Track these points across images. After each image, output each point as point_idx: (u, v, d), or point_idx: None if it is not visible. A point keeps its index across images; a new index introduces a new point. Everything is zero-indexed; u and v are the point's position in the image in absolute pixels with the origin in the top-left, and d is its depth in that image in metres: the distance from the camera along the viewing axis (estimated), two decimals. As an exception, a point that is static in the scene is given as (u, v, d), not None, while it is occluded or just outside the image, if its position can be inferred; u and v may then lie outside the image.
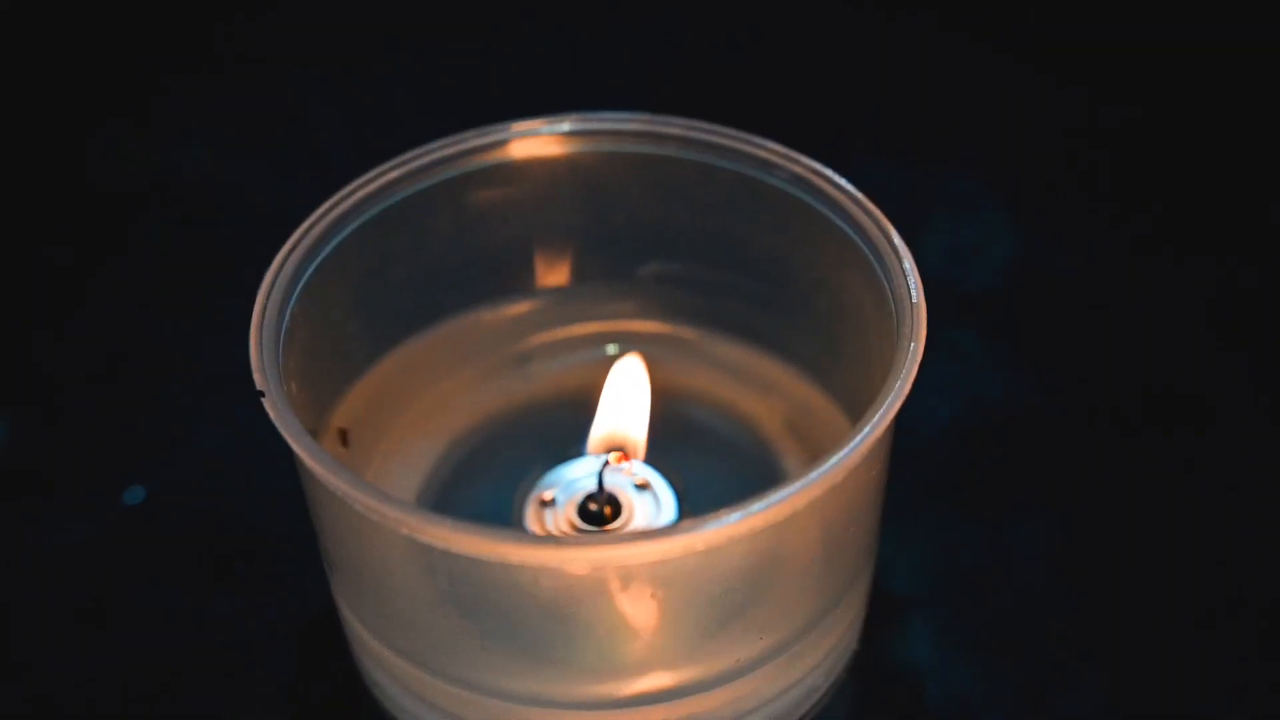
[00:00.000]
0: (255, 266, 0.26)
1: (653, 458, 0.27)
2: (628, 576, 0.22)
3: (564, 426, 0.29)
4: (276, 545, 0.29)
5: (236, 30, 0.46)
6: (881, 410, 0.22)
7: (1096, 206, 0.37)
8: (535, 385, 0.30)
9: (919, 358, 0.23)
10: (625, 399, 0.26)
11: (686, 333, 0.30)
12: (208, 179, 0.41)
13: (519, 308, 0.30)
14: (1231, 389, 0.32)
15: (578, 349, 0.30)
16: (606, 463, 0.26)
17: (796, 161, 0.27)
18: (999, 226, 0.37)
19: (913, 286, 0.24)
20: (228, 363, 0.30)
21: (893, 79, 0.41)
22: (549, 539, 0.24)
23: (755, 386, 0.29)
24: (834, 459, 0.21)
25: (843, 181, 0.26)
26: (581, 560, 0.22)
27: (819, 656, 0.25)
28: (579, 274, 0.30)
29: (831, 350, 0.28)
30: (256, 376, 0.23)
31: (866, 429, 0.22)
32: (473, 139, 0.28)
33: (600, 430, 0.26)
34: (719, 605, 0.23)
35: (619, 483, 0.27)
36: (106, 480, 0.31)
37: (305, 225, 0.26)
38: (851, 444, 0.22)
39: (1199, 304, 0.34)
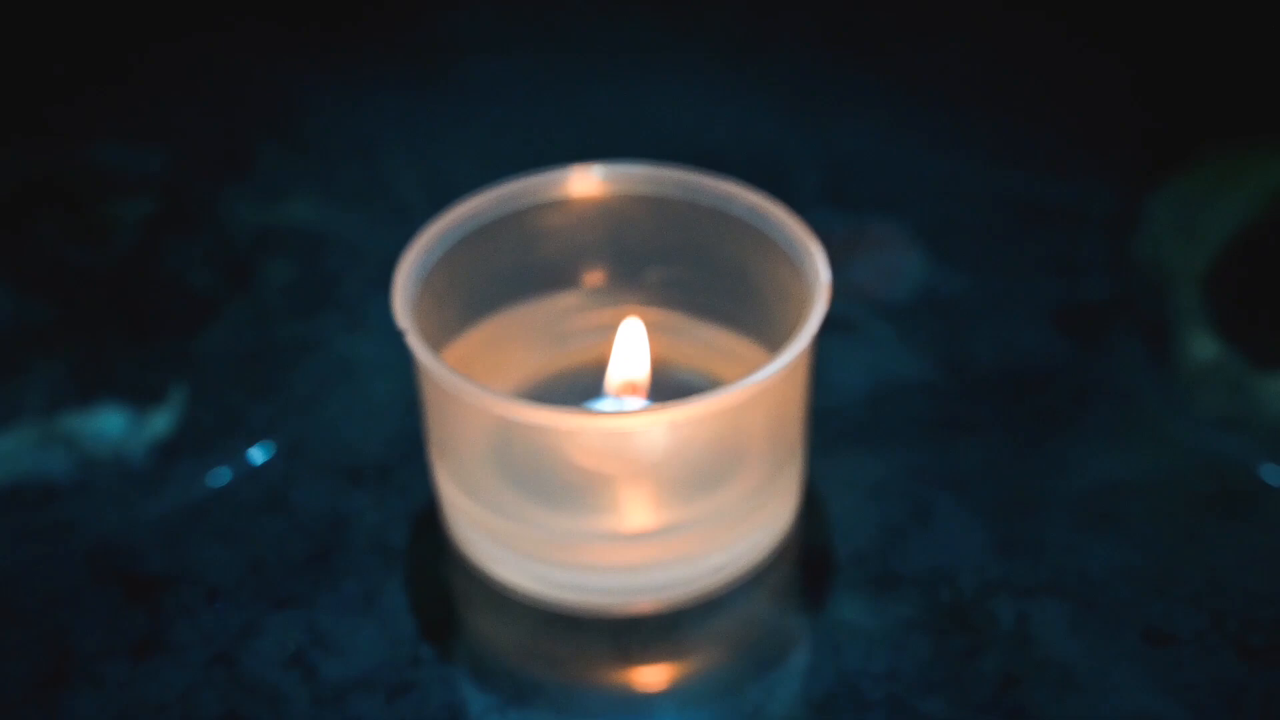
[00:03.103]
0: (354, 286, 0.40)
1: (651, 398, 0.39)
2: (631, 441, 0.35)
3: (592, 382, 0.41)
4: (397, 463, 0.42)
5: (326, 109, 0.57)
6: (799, 338, 0.35)
7: (987, 242, 0.50)
8: (572, 354, 0.42)
9: (822, 314, 0.35)
10: (631, 351, 0.39)
11: (676, 319, 0.41)
12: (312, 225, 0.52)
13: (563, 300, 0.41)
14: (1063, 372, 0.45)
15: (602, 329, 0.41)
16: (619, 396, 0.39)
17: (748, 197, 0.39)
18: (914, 257, 0.50)
19: (821, 270, 0.36)
20: (350, 350, 0.44)
21: (842, 144, 0.55)
22: (583, 409, 0.36)
23: (722, 353, 0.41)
24: (768, 369, 0.34)
25: (779, 209, 0.39)
26: (604, 425, 0.35)
27: (769, 514, 0.37)
28: (603, 277, 0.41)
29: (774, 326, 0.39)
30: (400, 321, 0.36)
31: (788, 350, 0.34)
32: (533, 181, 0.40)
33: (614, 373, 0.39)
34: (698, 465, 0.36)
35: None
36: (276, 431, 0.43)
37: (425, 234, 0.38)
38: (778, 359, 0.34)
39: (1048, 311, 0.47)
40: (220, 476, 0.42)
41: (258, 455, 0.42)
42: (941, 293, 0.47)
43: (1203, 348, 0.46)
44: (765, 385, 0.34)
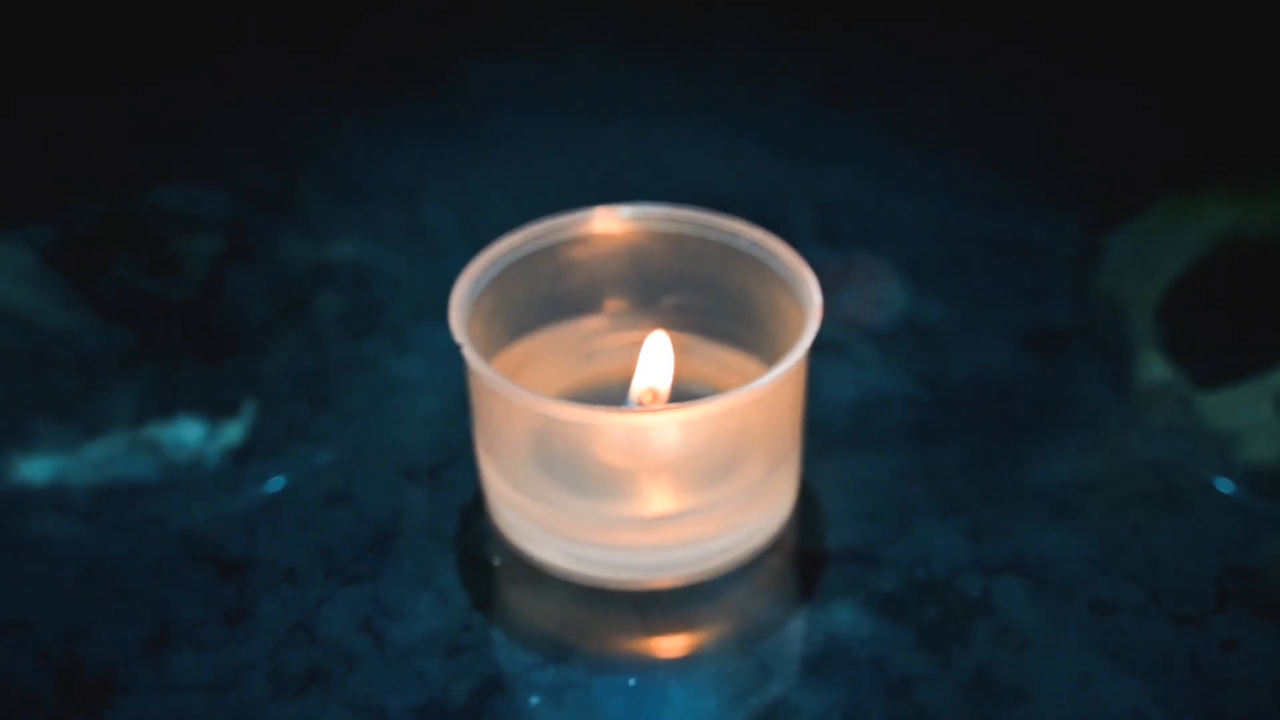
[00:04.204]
0: (398, 314, 0.46)
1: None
2: (649, 439, 0.41)
3: (615, 393, 0.47)
4: (444, 465, 0.48)
5: (369, 157, 0.63)
6: (794, 351, 0.41)
7: (961, 274, 0.56)
8: (597, 370, 0.48)
9: (815, 331, 0.41)
10: (655, 361, 0.45)
11: (688, 339, 0.47)
12: (358, 261, 0.57)
13: (589, 323, 0.47)
14: (1027, 388, 0.51)
15: (624, 349, 0.47)
16: (641, 402, 0.45)
17: (751, 233, 0.46)
18: (896, 288, 0.56)
19: (814, 294, 0.43)
20: (398, 369, 0.50)
21: (832, 189, 0.61)
22: (610, 408, 0.42)
23: (728, 369, 0.47)
24: (767, 376, 0.40)
25: (778, 243, 0.45)
26: (627, 421, 0.41)
27: (770, 505, 0.43)
28: (625, 303, 0.47)
29: (773, 346, 0.45)
30: (457, 336, 0.42)
31: (785, 361, 0.41)
32: (565, 220, 0.46)
33: (639, 380, 0.45)
34: (707, 461, 0.42)
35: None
36: (337, 438, 0.50)
37: (474, 265, 0.44)
38: (776, 369, 0.40)
39: (1015, 335, 0.53)
40: (290, 476, 0.48)
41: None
42: (920, 319, 0.53)
43: (1154, 368, 0.52)
44: (764, 391, 0.40)
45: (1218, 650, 0.41)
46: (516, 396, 0.40)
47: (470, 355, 0.41)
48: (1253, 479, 0.47)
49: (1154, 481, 0.47)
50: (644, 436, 0.42)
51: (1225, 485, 0.47)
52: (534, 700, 0.40)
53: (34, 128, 0.65)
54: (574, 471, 0.42)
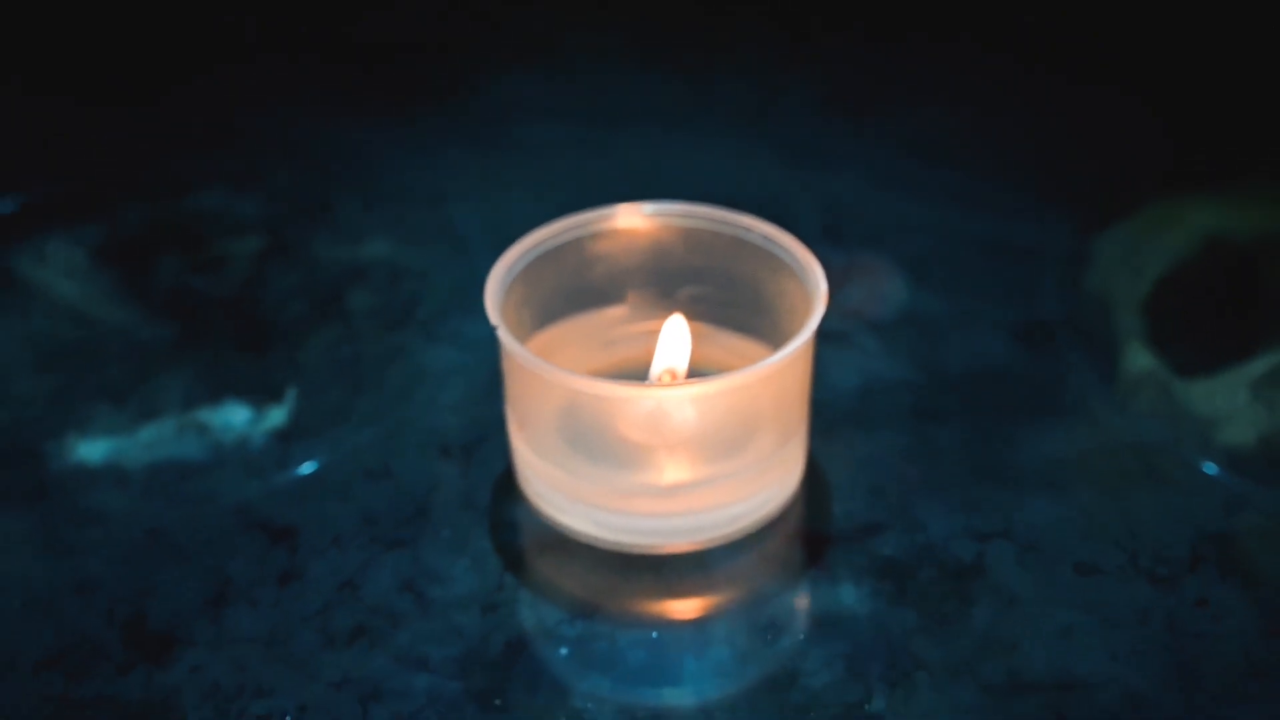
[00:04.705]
0: (428, 308, 0.50)
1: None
2: (667, 416, 0.45)
3: (635, 376, 0.51)
4: (476, 443, 0.52)
5: (398, 163, 0.66)
6: (801, 333, 0.44)
7: (958, 272, 0.60)
8: (618, 355, 0.51)
9: (821, 314, 0.45)
10: (673, 343, 0.49)
11: (703, 328, 0.50)
12: (389, 260, 0.61)
13: (612, 312, 0.51)
14: (1018, 374, 0.55)
15: (643, 336, 0.51)
16: (660, 381, 0.48)
17: (762, 227, 0.49)
18: (897, 284, 0.60)
19: (820, 281, 0.46)
20: (429, 358, 0.54)
21: (838, 192, 0.65)
22: (632, 383, 0.46)
23: (740, 355, 0.50)
24: (776, 356, 0.44)
25: (786, 236, 0.49)
26: (648, 395, 0.45)
27: (779, 476, 0.47)
28: (645, 293, 0.51)
29: (782, 333, 0.49)
30: (492, 319, 0.45)
31: (793, 343, 0.44)
32: (589, 215, 0.50)
33: (657, 363, 0.49)
34: (720, 435, 0.46)
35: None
36: (376, 419, 0.53)
37: (506, 256, 0.48)
38: (784, 349, 0.44)
39: (1008, 327, 0.57)
40: (332, 454, 0.51)
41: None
42: (919, 312, 0.57)
43: (1139, 359, 0.56)
44: (774, 369, 0.44)
45: (1190, 607, 0.44)
46: (547, 373, 0.44)
47: (504, 336, 0.45)
48: (1229, 459, 0.50)
49: (1135, 460, 0.50)
50: (663, 412, 0.46)
51: (1203, 464, 0.50)
52: (563, 651, 0.44)
53: (82, 136, 0.69)
54: (599, 444, 0.46)
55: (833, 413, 0.52)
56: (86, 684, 0.43)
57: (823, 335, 0.53)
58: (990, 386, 0.54)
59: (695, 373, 0.49)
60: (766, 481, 0.47)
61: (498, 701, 0.42)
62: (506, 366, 0.47)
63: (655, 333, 0.50)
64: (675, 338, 0.48)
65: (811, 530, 0.48)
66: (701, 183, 0.63)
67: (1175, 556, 0.46)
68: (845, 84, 0.72)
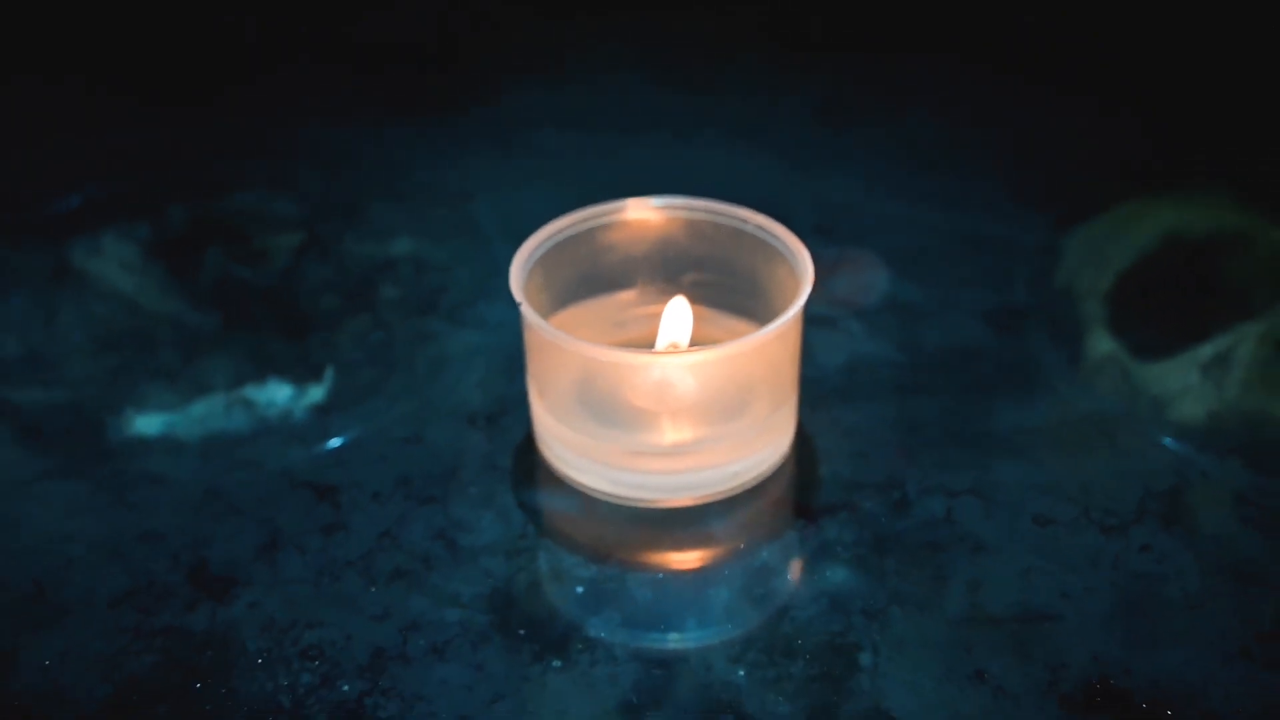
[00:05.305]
0: (452, 298, 0.56)
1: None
2: (670, 384, 0.50)
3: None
4: (499, 414, 0.57)
5: (423, 167, 0.72)
6: (791, 308, 0.50)
7: (936, 265, 0.66)
8: (628, 336, 0.57)
9: (807, 294, 0.51)
10: (676, 320, 0.54)
11: (705, 310, 0.56)
12: (415, 255, 0.67)
13: (622, 296, 0.56)
14: (989, 355, 0.60)
15: (650, 318, 0.56)
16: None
17: (757, 218, 0.55)
18: (881, 275, 0.65)
19: (808, 264, 0.52)
20: (454, 342, 0.59)
21: (828, 192, 0.70)
22: (641, 350, 0.51)
23: (737, 334, 0.56)
24: (767, 328, 0.50)
25: (778, 226, 0.55)
26: (656, 361, 0.50)
27: (772, 440, 0.53)
28: (652, 279, 0.56)
29: (775, 314, 0.54)
30: (516, 296, 0.51)
31: (782, 317, 0.50)
32: (603, 208, 0.56)
33: (662, 338, 0.54)
34: (718, 401, 0.51)
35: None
36: (408, 395, 0.59)
37: (528, 244, 0.53)
38: (775, 323, 0.50)
39: (981, 313, 0.62)
40: (369, 425, 0.57)
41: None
42: (901, 300, 0.63)
43: (1101, 343, 0.61)
44: (767, 339, 0.50)
45: (1135, 552, 0.50)
46: (566, 343, 0.49)
47: (527, 312, 0.50)
48: (1179, 431, 0.56)
49: (1095, 430, 0.56)
50: (668, 381, 0.51)
51: (1155, 435, 0.56)
52: (578, 590, 0.49)
53: (133, 141, 0.75)
54: (611, 410, 0.51)
55: (821, 388, 0.58)
56: (157, 617, 0.48)
57: (813, 320, 0.59)
58: (965, 366, 0.59)
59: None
60: (761, 444, 0.52)
61: (521, 631, 0.48)
62: (529, 340, 0.52)
63: (661, 315, 0.55)
64: (678, 316, 0.54)
65: (801, 487, 0.53)
66: (703, 185, 0.68)
67: (1123, 510, 0.52)
68: (836, 95, 0.78)
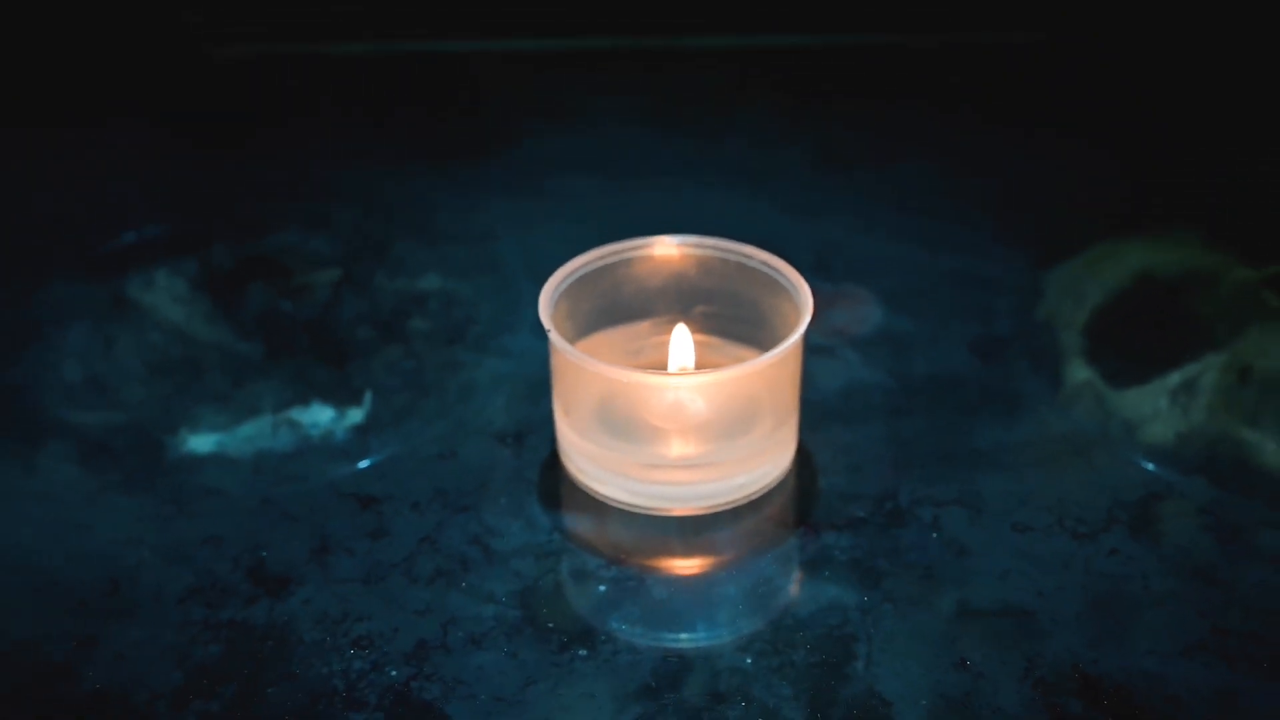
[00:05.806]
0: (478, 331, 0.61)
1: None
2: (682, 406, 0.56)
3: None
4: (526, 433, 0.62)
5: (450, 209, 0.77)
6: (792, 336, 0.55)
7: (926, 300, 0.71)
8: (643, 361, 0.62)
9: (806, 323, 0.56)
10: (681, 346, 0.60)
11: (714, 340, 0.61)
12: (443, 292, 0.74)
13: (638, 326, 0.62)
14: (973, 381, 0.65)
15: (664, 346, 0.61)
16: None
17: (761, 254, 0.60)
18: (875, 310, 0.71)
19: (807, 299, 0.57)
20: (481, 371, 0.64)
21: (826, 234, 0.76)
22: (657, 372, 0.57)
23: (742, 361, 0.62)
24: (770, 353, 0.55)
25: (781, 262, 0.60)
26: (669, 383, 0.56)
27: (775, 456, 0.58)
28: (665, 310, 0.62)
29: (778, 342, 0.59)
30: (546, 324, 0.56)
31: (784, 344, 0.55)
32: (621, 245, 0.61)
33: (672, 363, 0.60)
34: (725, 419, 0.57)
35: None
36: (441, 417, 0.64)
37: (555, 277, 0.58)
38: (777, 349, 0.55)
39: (966, 343, 0.67)
40: (406, 443, 0.62)
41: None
42: (893, 331, 0.68)
43: (1078, 371, 0.66)
44: (770, 363, 0.55)
45: (1104, 556, 0.55)
46: (590, 365, 0.55)
47: (555, 338, 0.56)
48: (1148, 452, 0.61)
49: (1070, 450, 0.61)
50: (680, 402, 0.57)
51: (1126, 455, 0.61)
52: (601, 588, 0.54)
53: (180, 183, 0.81)
54: (630, 427, 0.57)
55: (820, 410, 0.63)
56: (221, 612, 0.54)
57: (813, 349, 0.64)
58: (952, 390, 0.64)
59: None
60: (765, 459, 0.57)
61: (550, 625, 0.53)
62: (555, 363, 0.57)
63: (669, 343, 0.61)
64: (681, 343, 0.59)
65: (802, 499, 0.59)
66: (710, 228, 0.74)
67: (1094, 519, 0.57)
68: (834, 144, 0.83)
